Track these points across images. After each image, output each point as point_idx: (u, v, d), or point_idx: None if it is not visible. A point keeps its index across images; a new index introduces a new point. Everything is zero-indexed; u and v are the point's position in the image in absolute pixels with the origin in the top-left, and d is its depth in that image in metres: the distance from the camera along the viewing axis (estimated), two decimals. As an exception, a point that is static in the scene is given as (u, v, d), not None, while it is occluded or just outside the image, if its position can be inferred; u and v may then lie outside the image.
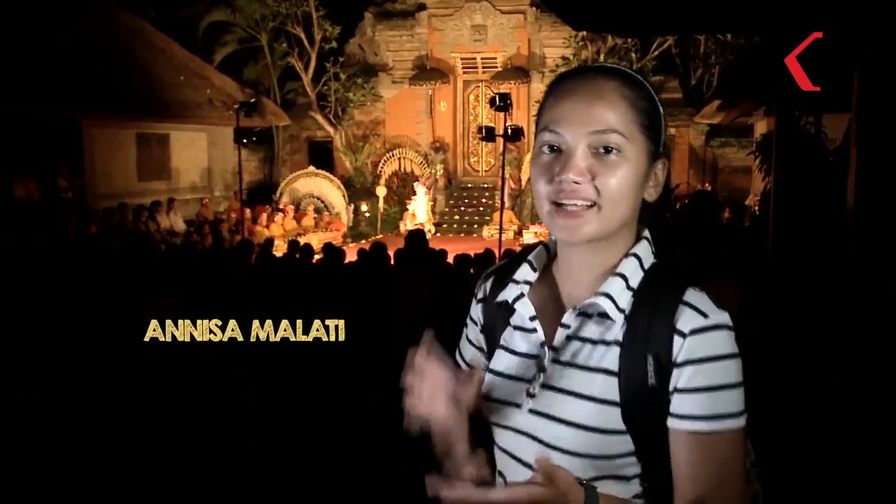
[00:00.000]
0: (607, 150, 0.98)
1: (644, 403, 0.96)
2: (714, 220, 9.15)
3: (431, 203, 16.31)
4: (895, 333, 3.61)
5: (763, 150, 8.81)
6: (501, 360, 1.10)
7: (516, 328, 1.10)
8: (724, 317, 0.96)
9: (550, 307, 1.07)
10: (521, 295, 1.08)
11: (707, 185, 16.76)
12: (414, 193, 16.55)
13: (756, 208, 10.17)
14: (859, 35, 5.07)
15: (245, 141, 17.76)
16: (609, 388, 0.97)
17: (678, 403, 0.95)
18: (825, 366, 3.59)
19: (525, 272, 1.10)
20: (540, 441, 1.00)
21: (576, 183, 0.97)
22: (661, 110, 1.04)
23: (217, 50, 18.66)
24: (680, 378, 0.95)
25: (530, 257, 1.12)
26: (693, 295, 0.97)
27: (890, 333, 3.64)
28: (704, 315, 0.95)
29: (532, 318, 1.07)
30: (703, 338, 0.94)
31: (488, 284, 1.17)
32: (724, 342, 0.95)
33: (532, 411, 1.02)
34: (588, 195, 0.97)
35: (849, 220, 5.26)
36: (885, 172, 5.03)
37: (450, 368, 0.96)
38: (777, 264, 5.79)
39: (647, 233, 1.07)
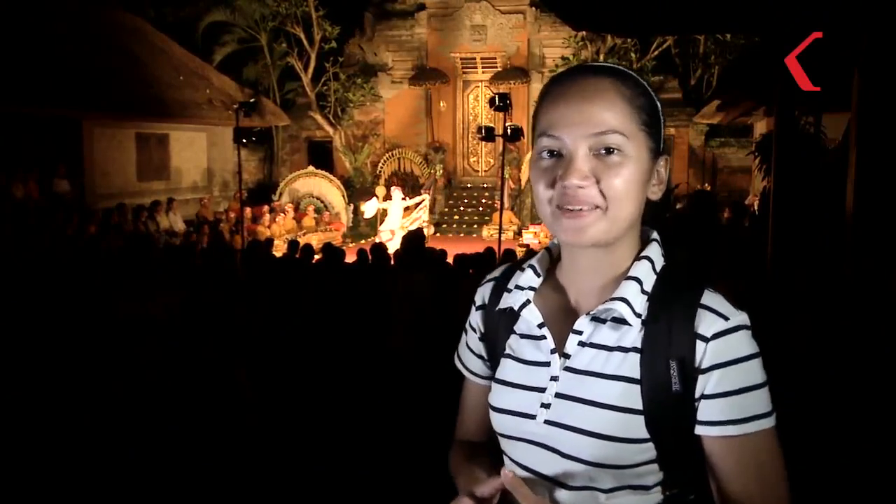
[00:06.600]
0: (609, 150, 0.95)
1: (669, 410, 0.94)
2: (713, 220, 9.14)
3: (428, 203, 14.68)
4: (895, 333, 3.61)
5: (763, 150, 8.80)
6: (509, 370, 1.06)
7: (523, 336, 1.07)
8: (743, 317, 0.95)
9: (558, 313, 1.04)
10: (528, 302, 1.05)
11: (706, 185, 16.76)
12: (407, 196, 14.55)
13: (755, 208, 10.16)
14: (859, 35, 5.07)
15: (245, 141, 17.73)
16: (630, 395, 0.95)
17: (707, 409, 0.94)
18: (824, 365, 3.60)
19: (529, 278, 1.08)
20: (557, 452, 0.97)
21: (580, 187, 0.95)
22: (660, 106, 1.02)
23: (217, 50, 18.68)
24: (707, 384, 0.94)
25: (533, 262, 1.09)
26: (710, 297, 0.96)
27: (890, 333, 3.64)
28: (725, 318, 0.94)
29: (540, 326, 1.03)
30: (725, 341, 0.93)
31: (487, 291, 1.14)
32: (746, 343, 0.94)
33: (548, 422, 0.98)
34: (593, 199, 0.95)
35: (849, 220, 5.25)
36: (884, 172, 5.03)
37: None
38: (777, 264, 5.79)
39: (655, 234, 1.05)
